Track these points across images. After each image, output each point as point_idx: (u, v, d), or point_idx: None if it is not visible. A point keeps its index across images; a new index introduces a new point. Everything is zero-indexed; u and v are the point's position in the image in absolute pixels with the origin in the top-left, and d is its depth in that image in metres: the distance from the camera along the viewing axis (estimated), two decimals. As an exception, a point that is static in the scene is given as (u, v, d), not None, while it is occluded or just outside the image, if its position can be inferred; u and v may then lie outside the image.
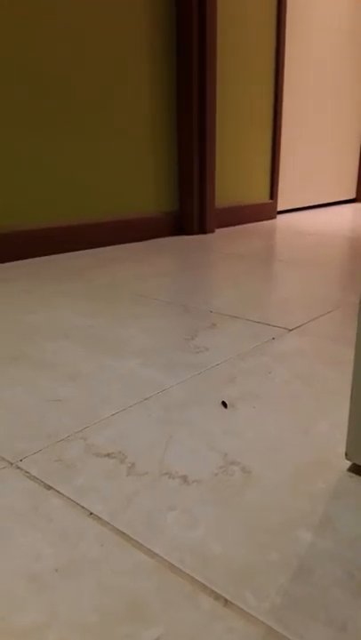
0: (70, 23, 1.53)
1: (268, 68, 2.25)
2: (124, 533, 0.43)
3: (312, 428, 0.60)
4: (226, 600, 0.37)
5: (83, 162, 1.66)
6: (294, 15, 2.44)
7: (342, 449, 0.56)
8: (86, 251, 1.71)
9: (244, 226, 2.29)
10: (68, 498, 0.48)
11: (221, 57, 2.01)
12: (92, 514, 0.46)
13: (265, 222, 2.41)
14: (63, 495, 0.48)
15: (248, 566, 0.40)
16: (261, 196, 2.42)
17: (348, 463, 0.53)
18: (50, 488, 0.49)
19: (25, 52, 1.45)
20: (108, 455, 0.55)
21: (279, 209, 2.71)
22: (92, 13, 1.57)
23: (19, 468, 0.53)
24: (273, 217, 2.51)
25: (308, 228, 2.23)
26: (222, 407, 0.65)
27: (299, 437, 0.58)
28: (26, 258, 1.56)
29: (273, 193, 2.48)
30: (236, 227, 2.26)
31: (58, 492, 0.49)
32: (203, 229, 2.06)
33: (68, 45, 1.54)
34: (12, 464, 0.53)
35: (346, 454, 0.52)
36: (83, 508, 0.47)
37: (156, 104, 1.84)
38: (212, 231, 2.10)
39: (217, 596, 0.37)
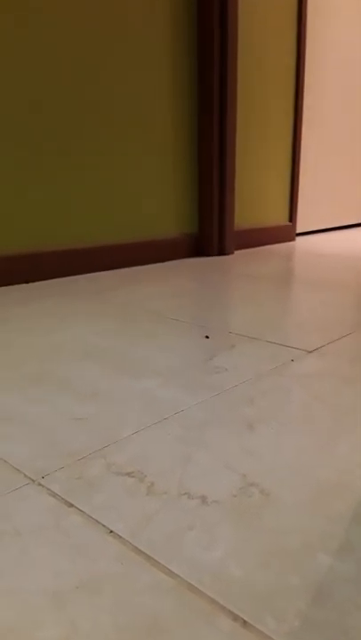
0: (78, 46, 1.58)
1: (288, 90, 2.29)
2: (143, 552, 0.44)
3: (331, 450, 0.60)
4: (245, 621, 0.37)
5: (106, 184, 1.70)
6: (315, 32, 2.48)
7: (362, 472, 0.55)
8: (108, 271, 1.73)
9: (263, 248, 2.31)
10: (89, 515, 0.49)
11: (242, 80, 2.05)
12: (111, 532, 0.46)
13: (284, 244, 2.42)
14: (84, 513, 0.49)
15: (267, 588, 0.40)
16: (280, 218, 2.44)
17: (367, 487, 0.53)
18: (71, 505, 0.50)
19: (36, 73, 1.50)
20: (128, 474, 0.55)
21: (298, 231, 2.72)
22: (106, 49, 1.62)
23: (40, 485, 0.54)
24: (292, 239, 2.52)
25: (327, 250, 2.24)
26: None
27: (318, 459, 0.58)
28: (49, 278, 1.59)
29: (292, 215, 2.49)
30: (255, 248, 2.28)
31: (79, 509, 0.49)
32: (222, 251, 2.08)
33: (87, 65, 1.59)
34: (34, 481, 0.54)
35: (366, 477, 0.52)
36: (103, 525, 0.47)
37: (177, 126, 1.88)
38: (232, 253, 2.12)
39: (235, 617, 0.37)
